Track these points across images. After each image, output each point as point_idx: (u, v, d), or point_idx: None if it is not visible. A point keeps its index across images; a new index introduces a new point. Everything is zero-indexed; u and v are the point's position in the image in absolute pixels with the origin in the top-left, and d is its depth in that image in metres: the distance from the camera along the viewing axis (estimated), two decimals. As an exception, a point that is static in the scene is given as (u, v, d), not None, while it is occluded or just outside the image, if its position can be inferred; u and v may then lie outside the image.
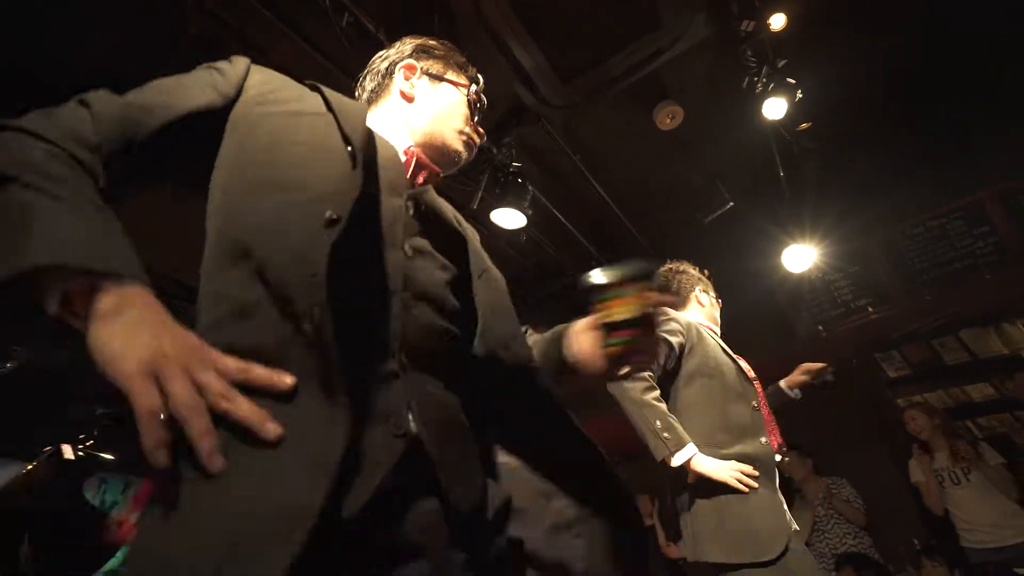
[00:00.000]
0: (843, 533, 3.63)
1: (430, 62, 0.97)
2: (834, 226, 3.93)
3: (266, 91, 0.74)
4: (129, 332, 0.46)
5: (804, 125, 3.29)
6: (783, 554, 1.47)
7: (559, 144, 3.37)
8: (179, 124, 0.66)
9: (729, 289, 4.00)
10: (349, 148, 0.67)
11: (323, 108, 0.74)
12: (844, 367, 4.56)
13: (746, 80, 2.95)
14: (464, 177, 3.34)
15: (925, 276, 3.92)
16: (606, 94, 3.19)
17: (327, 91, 0.77)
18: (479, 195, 3.10)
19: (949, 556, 3.10)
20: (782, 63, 2.91)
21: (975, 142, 3.79)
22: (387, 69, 0.96)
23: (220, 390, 0.47)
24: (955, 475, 3.16)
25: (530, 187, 3.07)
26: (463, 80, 0.98)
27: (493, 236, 3.72)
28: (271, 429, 0.47)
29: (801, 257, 3.95)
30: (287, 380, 0.50)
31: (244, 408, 0.47)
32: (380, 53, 1.01)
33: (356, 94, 1.00)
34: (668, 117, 3.37)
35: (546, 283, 4.44)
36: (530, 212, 3.09)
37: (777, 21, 2.80)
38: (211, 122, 0.69)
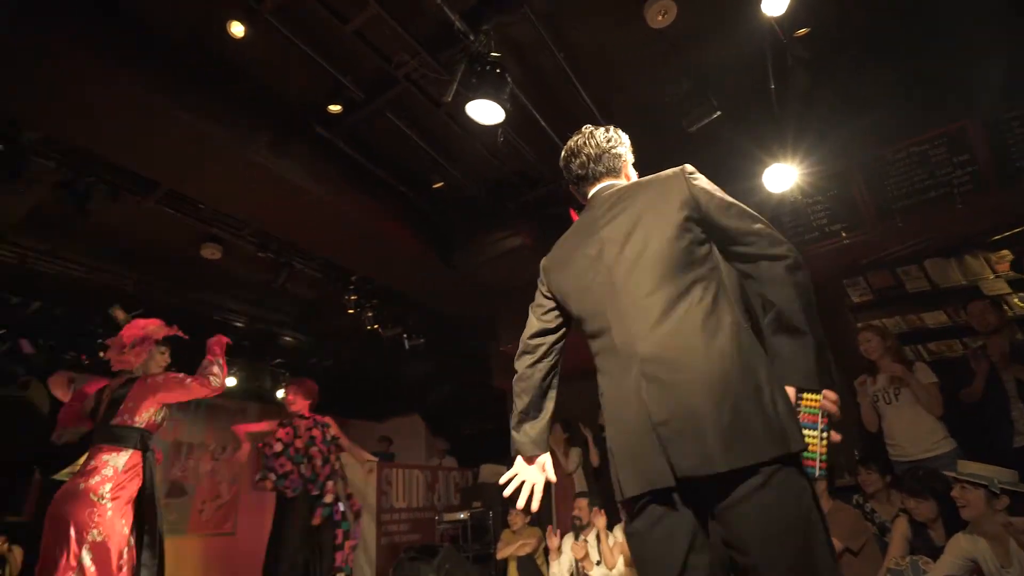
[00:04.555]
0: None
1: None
2: (816, 146, 3.82)
3: None
4: None
5: (802, 31, 3.09)
6: None
7: (542, 37, 3.12)
8: None
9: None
10: None
11: None
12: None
13: (747, -29, 2.72)
14: (439, 66, 3.10)
15: (900, 203, 3.90)
16: (596, -20, 2.93)
17: None
18: (455, 87, 2.88)
19: (882, 465, 3.33)
20: (787, -45, 2.67)
21: (967, 67, 3.65)
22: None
23: None
24: (888, 395, 3.33)
25: (509, 79, 2.85)
26: None
27: (469, 135, 3.53)
28: None
29: (782, 177, 3.88)
30: None
31: None
32: (606, 136, 1.49)
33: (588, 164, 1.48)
34: (660, 13, 3.12)
35: (525, 192, 4.30)
36: (508, 106, 2.89)
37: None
38: None
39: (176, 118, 3.10)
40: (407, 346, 6.26)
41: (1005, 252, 4.06)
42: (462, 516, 5.23)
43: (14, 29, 2.49)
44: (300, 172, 3.63)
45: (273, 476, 3.73)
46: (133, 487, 2.40)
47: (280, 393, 7.75)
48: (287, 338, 6.75)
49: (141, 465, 2.46)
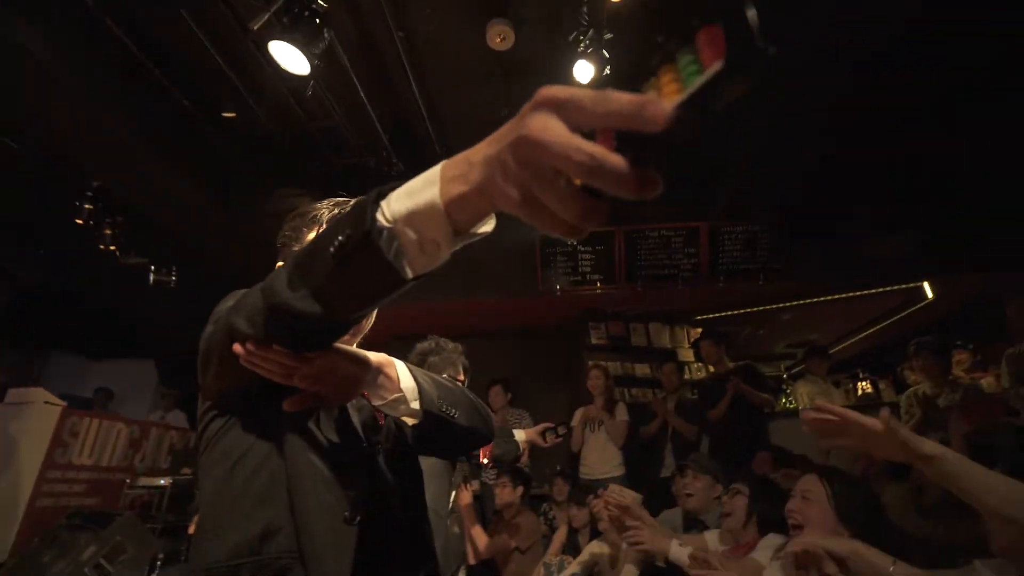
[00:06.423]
0: (509, 453, 4.34)
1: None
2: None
3: None
4: None
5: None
6: None
7: (383, 11, 3.02)
8: None
9: (500, 227, 4.30)
10: None
11: None
12: (562, 326, 5.35)
13: (574, 35, 3.04)
14: (257, -11, 2.77)
15: (644, 272, 4.75)
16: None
17: None
18: (266, 16, 2.60)
19: (575, 480, 3.95)
20: (608, 36, 3.07)
21: (713, 176, 4.64)
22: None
23: None
24: (593, 425, 4.02)
25: (328, 35, 2.69)
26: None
27: (276, 76, 3.22)
28: None
29: (565, 222, 4.38)
30: None
31: None
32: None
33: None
34: (499, 37, 3.29)
35: (328, 156, 4.07)
36: (317, 62, 2.72)
37: (619, -6, 2.92)
38: None
39: None
40: (151, 280, 5.35)
41: (700, 329, 5.22)
42: (162, 482, 4.61)
43: None
44: (43, 41, 2.87)
45: None
46: None
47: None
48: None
49: None
